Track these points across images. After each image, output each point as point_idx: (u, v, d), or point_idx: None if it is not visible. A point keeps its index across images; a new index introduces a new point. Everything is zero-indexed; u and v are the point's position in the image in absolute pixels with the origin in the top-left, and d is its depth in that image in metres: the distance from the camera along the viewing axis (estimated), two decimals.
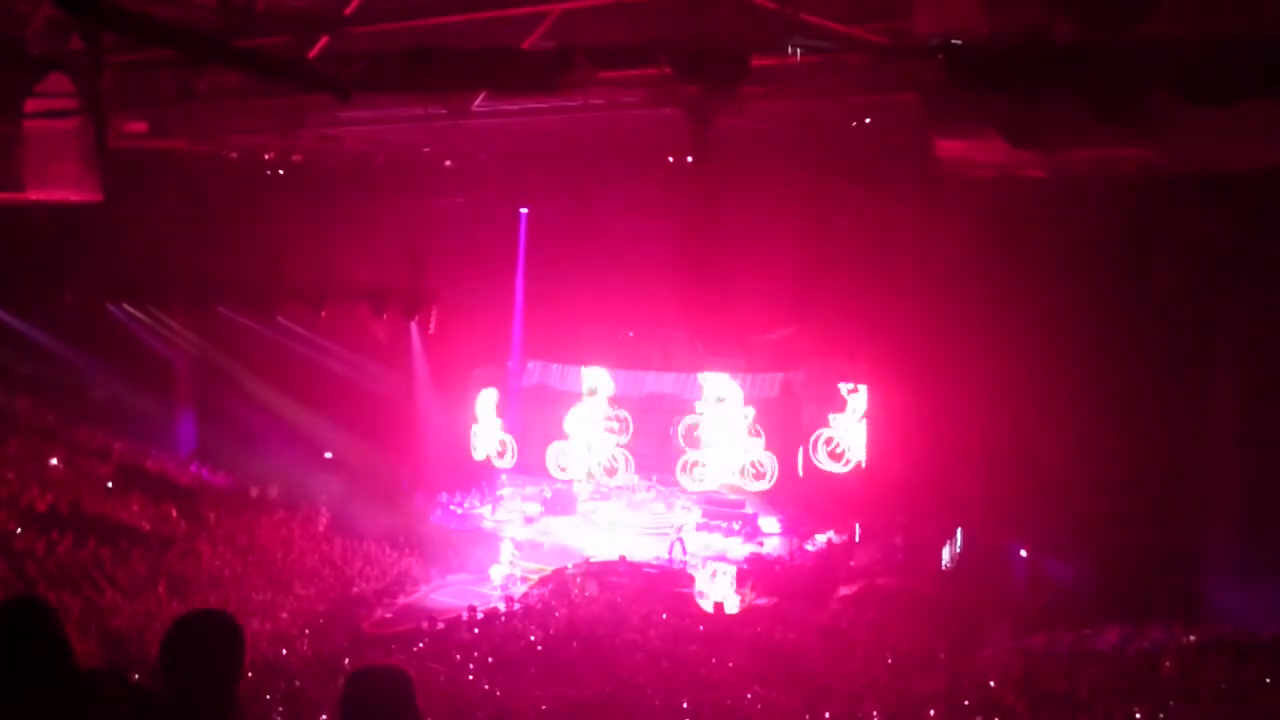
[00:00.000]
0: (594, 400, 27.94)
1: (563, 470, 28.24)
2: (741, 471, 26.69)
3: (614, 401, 27.97)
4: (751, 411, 26.74)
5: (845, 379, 26.02)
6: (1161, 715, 14.24)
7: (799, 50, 9.40)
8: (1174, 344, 20.31)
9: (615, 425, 27.84)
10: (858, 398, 25.95)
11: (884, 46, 10.76)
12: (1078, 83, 9.09)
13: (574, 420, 28.14)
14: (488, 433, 29.04)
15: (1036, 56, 8.25)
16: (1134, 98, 9.62)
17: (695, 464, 27.09)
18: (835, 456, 26.00)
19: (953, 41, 7.88)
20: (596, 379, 28.03)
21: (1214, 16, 9.10)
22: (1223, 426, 20.25)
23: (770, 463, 26.47)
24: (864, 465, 25.98)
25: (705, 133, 16.43)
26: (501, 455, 28.96)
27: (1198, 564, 20.09)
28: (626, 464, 27.68)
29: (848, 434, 25.98)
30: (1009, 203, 18.64)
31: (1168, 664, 16.57)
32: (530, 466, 28.67)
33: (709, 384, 26.88)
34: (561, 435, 28.29)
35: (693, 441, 27.03)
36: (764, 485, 26.49)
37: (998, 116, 11.08)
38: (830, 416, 26.06)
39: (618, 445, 27.81)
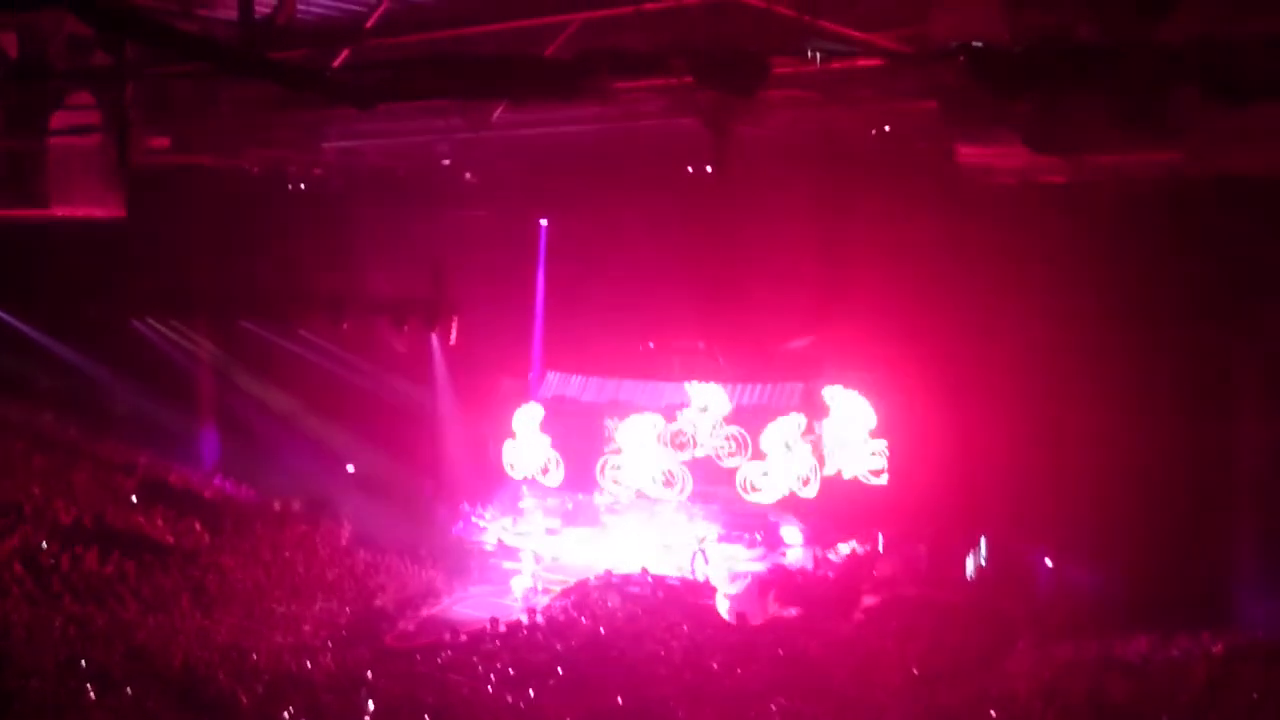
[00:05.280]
0: (704, 418, 27.31)
1: (512, 467, 28.12)
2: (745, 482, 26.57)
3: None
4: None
5: (866, 388, 25.91)
6: None
7: (818, 55, 9.38)
8: (1200, 350, 20.12)
9: (732, 445, 27.27)
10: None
11: (904, 51, 10.74)
12: (1099, 85, 9.05)
13: (521, 420, 28.02)
14: (534, 449, 28.84)
15: (1058, 58, 8.21)
16: (1156, 101, 9.57)
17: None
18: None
19: (973, 44, 7.85)
20: (708, 395, 27.47)
21: (1235, 17, 9.05)
22: (1249, 432, 20.04)
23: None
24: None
25: (724, 142, 16.44)
26: (545, 473, 28.69)
27: (1226, 572, 19.87)
28: (557, 466, 27.54)
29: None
30: (1031, 209, 18.55)
31: (1196, 672, 16.39)
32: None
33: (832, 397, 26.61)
34: (587, 447, 28.18)
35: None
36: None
37: (1018, 122, 11.06)
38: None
39: (550, 447, 27.66)
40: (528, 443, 27.90)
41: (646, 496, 26.60)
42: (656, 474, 26.65)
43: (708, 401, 27.07)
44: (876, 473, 25.89)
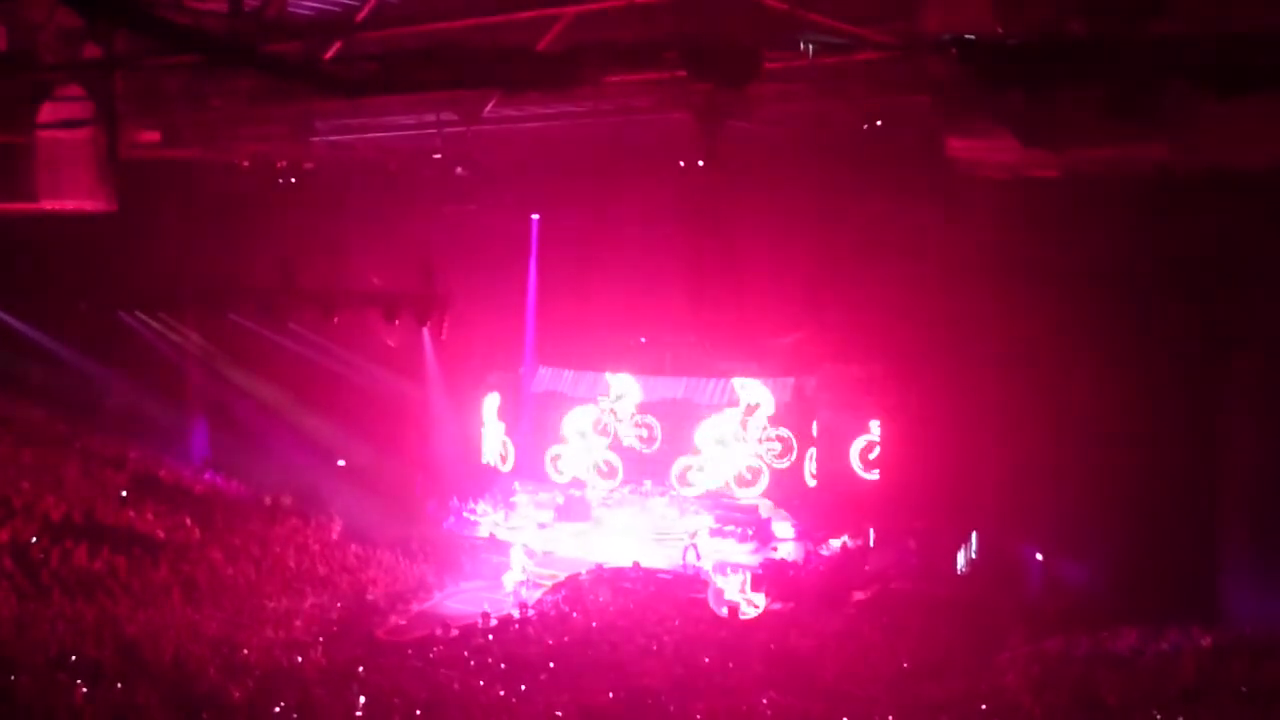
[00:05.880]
0: (621, 406, 27.92)
1: (560, 473, 28.33)
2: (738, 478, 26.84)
3: (639, 407, 27.99)
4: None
5: (858, 383, 25.95)
6: (1180, 718, 14.12)
7: (811, 47, 9.37)
8: (1192, 345, 20.18)
9: (644, 432, 27.81)
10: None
11: (895, 44, 10.73)
12: (1091, 79, 9.04)
13: (571, 423, 28.22)
14: (491, 437, 29.22)
15: (1049, 52, 8.21)
16: (1148, 95, 9.56)
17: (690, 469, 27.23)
18: (869, 464, 25.98)
19: (965, 36, 7.84)
20: (623, 385, 28.00)
21: (1227, 11, 9.05)
22: (1240, 426, 20.09)
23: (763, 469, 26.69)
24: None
25: (716, 136, 16.45)
26: (504, 460, 29.07)
27: (1215, 566, 19.94)
28: (614, 469, 27.76)
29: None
30: (1022, 204, 18.56)
31: (1185, 666, 16.44)
32: (536, 472, 28.81)
33: (745, 390, 26.92)
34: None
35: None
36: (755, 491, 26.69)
37: (1010, 115, 11.05)
38: (871, 423, 26.10)
39: (609, 449, 27.92)
40: (579, 446, 28.15)
41: (729, 495, 26.81)
42: (737, 472, 26.96)
43: (624, 390, 27.52)
44: (779, 457, 26.31)
